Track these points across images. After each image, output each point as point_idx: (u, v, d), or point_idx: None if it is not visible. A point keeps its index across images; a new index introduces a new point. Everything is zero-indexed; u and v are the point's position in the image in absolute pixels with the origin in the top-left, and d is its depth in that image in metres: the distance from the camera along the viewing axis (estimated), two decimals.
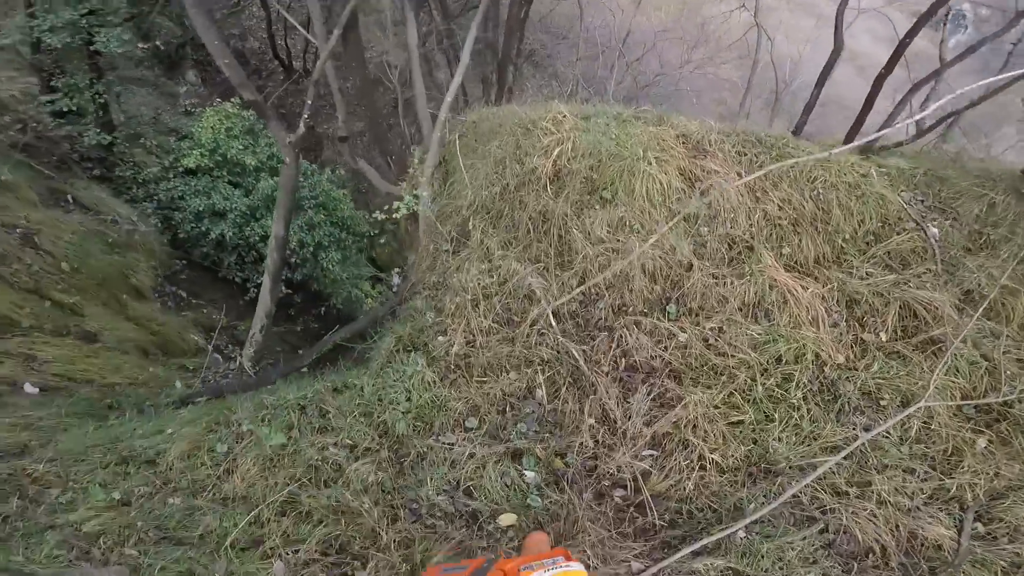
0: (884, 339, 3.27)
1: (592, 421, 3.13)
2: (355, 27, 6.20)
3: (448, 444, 3.16)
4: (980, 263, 3.64)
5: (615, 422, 3.08)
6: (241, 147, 8.03)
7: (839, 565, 2.75)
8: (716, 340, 3.23)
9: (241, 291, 8.10)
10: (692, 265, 3.63)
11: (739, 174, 3.86)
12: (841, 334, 3.28)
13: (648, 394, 3.13)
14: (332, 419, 3.16)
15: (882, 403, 3.01)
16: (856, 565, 2.71)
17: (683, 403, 3.03)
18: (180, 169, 7.91)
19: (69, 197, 6.87)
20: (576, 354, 3.28)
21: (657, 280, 3.61)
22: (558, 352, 3.38)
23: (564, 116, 4.30)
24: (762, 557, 2.73)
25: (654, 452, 3.01)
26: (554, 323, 3.43)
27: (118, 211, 7.32)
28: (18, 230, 5.77)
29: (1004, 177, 4.47)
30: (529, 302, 3.64)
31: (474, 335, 3.62)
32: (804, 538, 2.69)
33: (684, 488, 2.89)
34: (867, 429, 2.90)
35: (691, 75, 16.15)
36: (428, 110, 3.96)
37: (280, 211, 5.77)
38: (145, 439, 3.15)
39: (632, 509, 2.93)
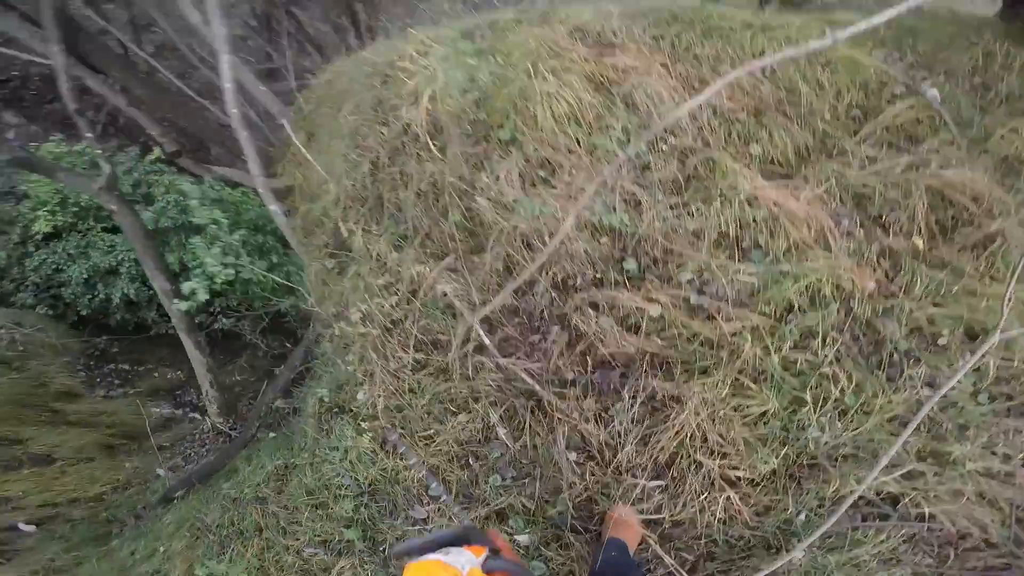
0: (921, 244, 2.30)
1: (573, 456, 2.37)
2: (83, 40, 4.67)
3: (419, 520, 2.44)
4: (1003, 122, 2.64)
5: (601, 451, 2.33)
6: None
7: (930, 555, 2.08)
8: (698, 298, 2.38)
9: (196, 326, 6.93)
10: (639, 201, 2.69)
11: (664, 66, 2.81)
12: (860, 246, 2.31)
13: (632, 399, 2.33)
14: (292, 515, 2.57)
15: (940, 341, 2.10)
16: (953, 551, 1.96)
17: (680, 407, 2.13)
18: (38, 237, 6.57)
19: None
20: (525, 376, 2.45)
21: (602, 232, 2.70)
22: (504, 374, 2.56)
23: (426, 45, 3.15)
24: (831, 573, 2.07)
25: (661, 483, 2.14)
26: (487, 339, 2.56)
27: None
28: None
29: (982, 24, 3.43)
30: (452, 313, 2.75)
31: (397, 378, 2.77)
32: (881, 541, 2.05)
33: (712, 514, 2.12)
34: (931, 384, 2.02)
35: None
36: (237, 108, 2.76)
37: (148, 263, 4.69)
38: (145, 563, 2.92)
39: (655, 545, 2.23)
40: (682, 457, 2.12)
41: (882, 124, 2.59)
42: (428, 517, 2.43)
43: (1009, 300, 1.97)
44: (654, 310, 2.31)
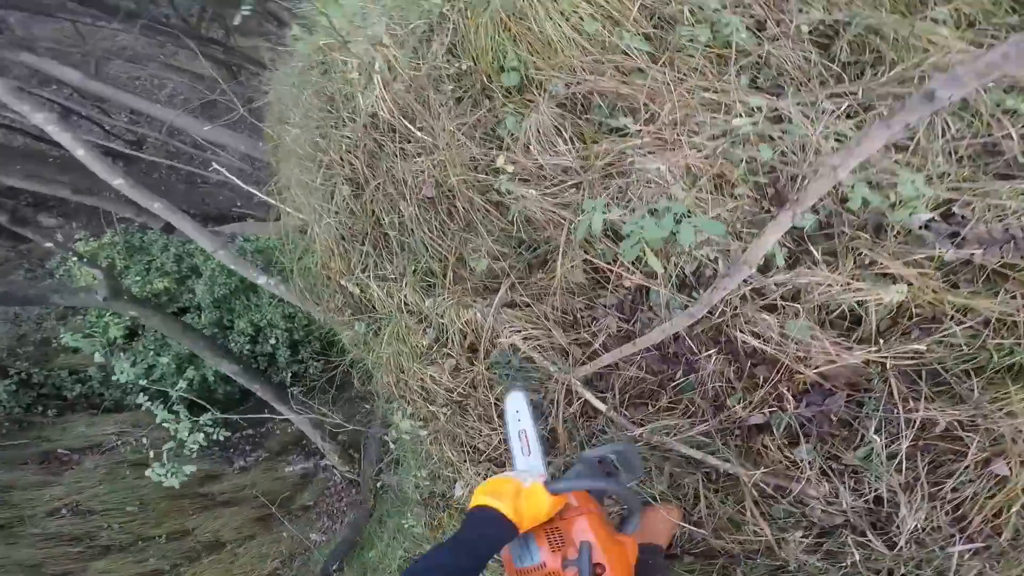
0: None
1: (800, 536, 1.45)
2: None
3: None
4: None
5: (857, 523, 1.42)
6: (142, 273, 5.96)
7: None
8: (955, 251, 1.26)
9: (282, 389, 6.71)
10: (777, 107, 1.54)
11: None
12: None
13: (889, 437, 1.33)
14: None
15: None
16: None
17: (986, 437, 1.15)
18: (119, 341, 6.40)
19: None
20: (680, 447, 1.55)
21: (733, 181, 1.58)
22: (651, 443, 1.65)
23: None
24: None
25: (973, 545, 1.20)
26: (597, 402, 1.66)
27: (105, 432, 5.81)
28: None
29: None
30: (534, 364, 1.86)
31: (492, 461, 1.99)
32: None
33: None
34: None
35: None
36: None
37: (204, 353, 4.20)
38: None
39: None
40: (1008, 514, 1.18)
41: None
42: None
43: None
44: (890, 293, 1.27)
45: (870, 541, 1.21)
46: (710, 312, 1.46)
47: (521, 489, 0.94)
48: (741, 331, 1.35)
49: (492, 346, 1.74)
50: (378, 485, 3.33)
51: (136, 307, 3.46)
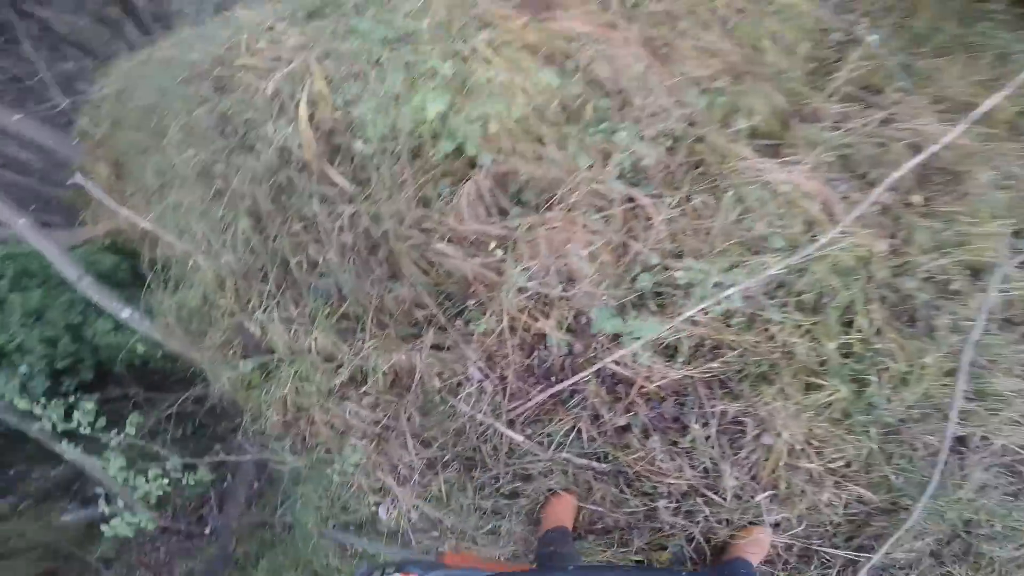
0: (916, 199, 2.03)
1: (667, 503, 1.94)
2: None
3: None
4: (935, 64, 2.35)
5: (695, 490, 1.85)
6: None
7: (1011, 476, 2.12)
8: (735, 304, 1.98)
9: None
10: (632, 199, 2.10)
11: (619, 28, 2.05)
12: (851, 203, 1.93)
13: (704, 426, 1.96)
14: None
15: (952, 286, 1.96)
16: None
17: (758, 421, 1.79)
18: None
19: None
20: (578, 460, 1.93)
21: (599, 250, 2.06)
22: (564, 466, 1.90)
23: (275, 30, 1.98)
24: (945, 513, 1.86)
25: (772, 492, 1.82)
26: (517, 437, 1.93)
27: None
28: None
29: None
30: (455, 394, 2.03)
31: (421, 485, 2.07)
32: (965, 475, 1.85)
33: (827, 503, 1.84)
34: (957, 330, 1.89)
35: None
36: None
37: None
38: None
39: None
40: (779, 469, 1.86)
41: (847, 79, 2.16)
42: None
43: (997, 236, 2.00)
44: (689, 335, 1.90)
45: (712, 499, 1.79)
46: (588, 348, 1.94)
47: None
48: (610, 363, 1.84)
49: (419, 389, 1.88)
50: (248, 524, 2.87)
51: None
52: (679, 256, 1.82)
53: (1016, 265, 1.96)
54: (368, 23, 1.73)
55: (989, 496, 1.84)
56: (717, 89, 1.96)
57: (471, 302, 1.77)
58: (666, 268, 1.81)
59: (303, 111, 1.75)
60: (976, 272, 1.96)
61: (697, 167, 1.92)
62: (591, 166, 1.78)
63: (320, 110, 1.78)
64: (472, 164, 1.86)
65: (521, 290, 1.71)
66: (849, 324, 1.88)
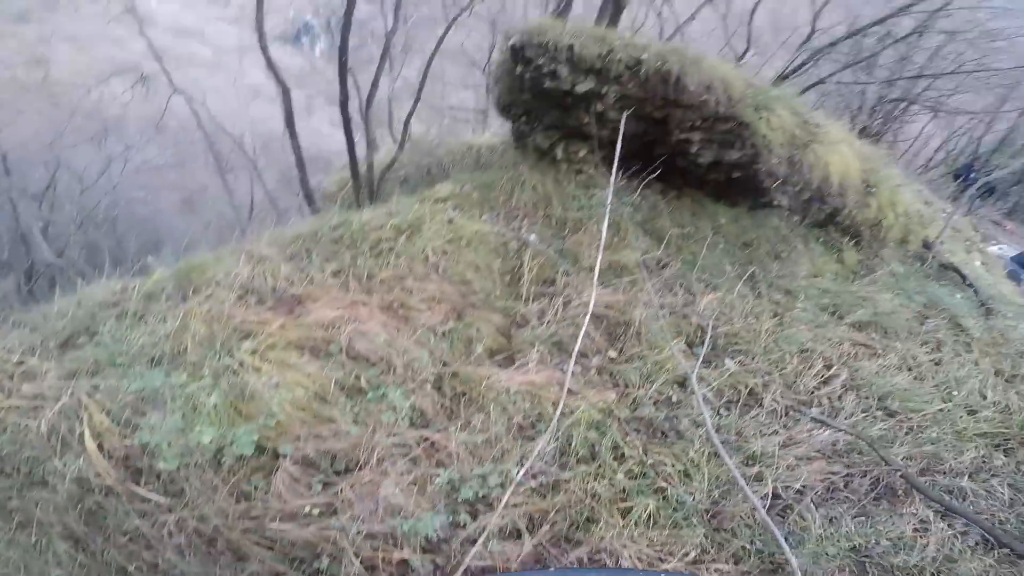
0: (613, 353, 2.89)
1: None
2: None
3: None
4: (579, 240, 3.41)
5: None
6: None
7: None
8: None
9: None
10: (426, 438, 2.44)
11: (364, 304, 2.66)
12: (583, 375, 2.72)
13: None
14: None
15: (672, 399, 2.67)
16: None
17: (618, 555, 1.92)
18: None
19: None
20: None
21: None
22: None
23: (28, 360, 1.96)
24: None
25: None
26: None
27: None
28: None
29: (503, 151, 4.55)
30: None
31: None
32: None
33: None
34: (698, 424, 2.48)
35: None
36: None
37: None
38: None
39: None
40: None
41: (531, 280, 3.08)
42: None
43: (676, 354, 2.85)
44: (521, 515, 2.12)
45: None
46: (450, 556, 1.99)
47: None
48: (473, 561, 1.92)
49: None
50: None
51: None
52: (481, 462, 2.16)
53: (702, 365, 2.79)
54: (130, 348, 1.95)
55: (843, 524, 2.15)
56: (451, 330, 2.63)
57: (324, 559, 1.77)
58: (480, 475, 2.11)
59: (91, 445, 1.76)
60: (681, 382, 2.73)
61: (464, 395, 2.42)
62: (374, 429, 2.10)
63: (107, 440, 1.81)
64: (276, 455, 2.04)
65: (361, 534, 1.79)
66: (622, 456, 2.34)
